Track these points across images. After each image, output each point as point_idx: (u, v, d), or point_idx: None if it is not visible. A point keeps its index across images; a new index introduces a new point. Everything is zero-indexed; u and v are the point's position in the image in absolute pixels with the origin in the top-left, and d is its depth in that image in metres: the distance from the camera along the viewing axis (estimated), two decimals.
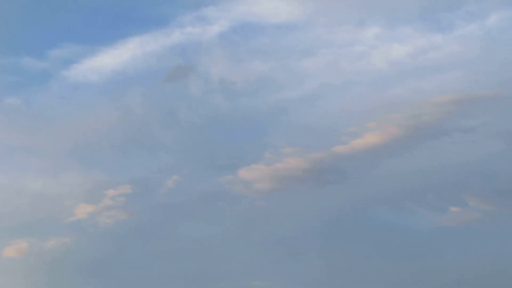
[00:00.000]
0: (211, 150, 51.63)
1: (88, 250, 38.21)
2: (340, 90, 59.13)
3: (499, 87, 52.27)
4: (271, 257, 43.20)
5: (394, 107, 51.20)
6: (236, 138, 52.04)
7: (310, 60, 56.55)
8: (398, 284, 34.48)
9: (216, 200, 47.52)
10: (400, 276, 35.21)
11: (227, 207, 47.33)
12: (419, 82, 55.45)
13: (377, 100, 53.27)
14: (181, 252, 40.41)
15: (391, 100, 51.57)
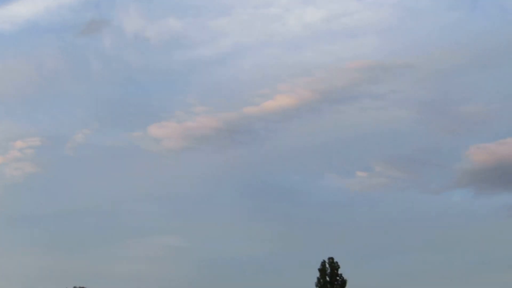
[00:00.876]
0: (122, 106, 49.83)
1: None
2: (254, 51, 57.08)
3: (411, 56, 51.44)
4: (178, 214, 42.38)
5: (306, 70, 50.15)
6: (148, 95, 50.20)
7: (225, 19, 54.33)
8: (306, 245, 34.72)
9: (125, 156, 45.91)
10: (305, 237, 35.47)
11: (136, 164, 45.76)
12: (332, 47, 54.01)
13: (289, 63, 51.98)
14: (87, 211, 39.51)
15: (303, 63, 50.50)
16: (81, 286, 28.88)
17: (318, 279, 25.78)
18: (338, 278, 25.67)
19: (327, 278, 25.74)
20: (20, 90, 50.21)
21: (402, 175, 48.26)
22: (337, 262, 25.81)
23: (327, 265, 25.82)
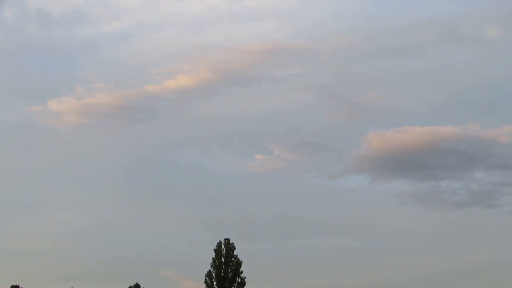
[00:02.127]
0: (21, 79, 48.70)
1: None
2: (156, 29, 56.67)
3: (312, 41, 51.95)
4: (75, 191, 41.67)
5: (208, 51, 49.95)
6: (48, 69, 49.10)
7: None
8: (203, 225, 34.72)
9: (23, 131, 44.68)
10: (205, 217, 35.37)
11: (34, 139, 44.64)
12: (234, 28, 54.00)
13: (191, 43, 51.76)
14: None
15: (205, 44, 50.29)
16: None
17: (214, 259, 25.54)
18: (233, 259, 25.48)
19: (223, 259, 25.95)
20: None
21: (301, 159, 48.76)
22: (233, 244, 25.70)
23: (223, 246, 25.63)
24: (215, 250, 25.83)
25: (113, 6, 52.21)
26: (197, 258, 32.76)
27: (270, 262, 37.64)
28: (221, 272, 25.66)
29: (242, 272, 25.76)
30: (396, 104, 49.07)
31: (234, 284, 26.94)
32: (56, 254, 38.70)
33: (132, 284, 28.92)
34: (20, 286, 29.21)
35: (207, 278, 25.81)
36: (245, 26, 52.76)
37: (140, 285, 28.94)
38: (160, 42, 51.52)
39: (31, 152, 44.94)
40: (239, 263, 25.70)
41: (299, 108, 49.06)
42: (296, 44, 49.52)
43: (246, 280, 25.78)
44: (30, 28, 49.85)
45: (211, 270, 25.72)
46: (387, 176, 47.49)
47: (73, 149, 45.34)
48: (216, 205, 42.89)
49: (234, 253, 25.77)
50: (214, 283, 25.85)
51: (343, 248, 40.68)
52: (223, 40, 51.32)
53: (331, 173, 47.68)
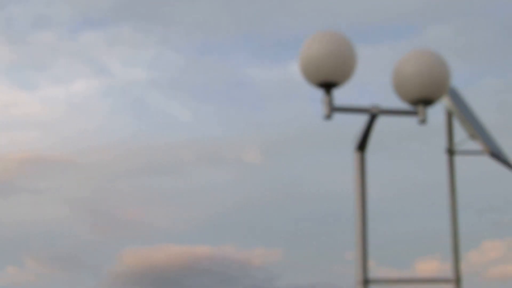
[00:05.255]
0: None
1: None
2: None
3: (72, 153, 51.82)
4: None
5: None
6: None
7: None
8: None
9: None
10: None
11: None
12: None
13: None
14: None
15: None
16: None
17: None
18: None
19: None
20: None
21: (54, 274, 46.74)
22: None
23: None
24: None
25: None
26: None
27: None
28: None
29: None
30: (155, 221, 48.52)
31: None
32: None
33: None
34: None
35: None
36: (7, 134, 50.83)
37: None
38: None
39: None
40: None
41: (54, 221, 47.27)
42: (56, 156, 48.10)
43: None
44: None
45: None
46: None
47: None
48: None
49: None
50: None
51: None
52: None
53: None
